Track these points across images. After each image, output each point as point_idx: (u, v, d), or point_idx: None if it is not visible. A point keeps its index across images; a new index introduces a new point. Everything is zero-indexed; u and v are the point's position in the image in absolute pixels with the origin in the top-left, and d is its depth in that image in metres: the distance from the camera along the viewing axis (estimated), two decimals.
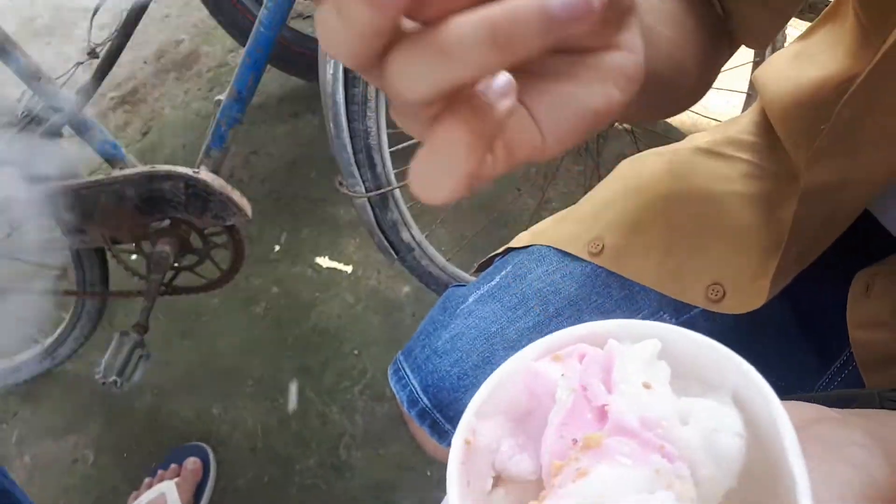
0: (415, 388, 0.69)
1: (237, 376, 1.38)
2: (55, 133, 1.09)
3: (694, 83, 0.51)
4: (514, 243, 0.72)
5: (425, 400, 0.68)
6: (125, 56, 1.07)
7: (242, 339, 1.43)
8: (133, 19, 1.00)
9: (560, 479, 0.23)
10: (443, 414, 0.68)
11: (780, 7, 0.50)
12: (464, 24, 0.20)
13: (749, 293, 0.56)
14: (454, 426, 0.62)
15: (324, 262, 1.52)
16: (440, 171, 0.22)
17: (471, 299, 0.69)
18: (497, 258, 0.74)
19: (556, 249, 0.67)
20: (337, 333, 1.42)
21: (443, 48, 0.20)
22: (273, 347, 1.41)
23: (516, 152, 0.25)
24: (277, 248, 1.56)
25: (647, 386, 0.25)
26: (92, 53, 1.05)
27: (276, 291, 1.49)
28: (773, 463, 0.24)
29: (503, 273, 0.69)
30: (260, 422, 1.32)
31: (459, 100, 0.22)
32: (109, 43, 1.02)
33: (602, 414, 0.24)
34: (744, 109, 1.37)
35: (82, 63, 1.06)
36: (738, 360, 0.26)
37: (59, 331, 1.35)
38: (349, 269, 1.51)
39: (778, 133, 0.60)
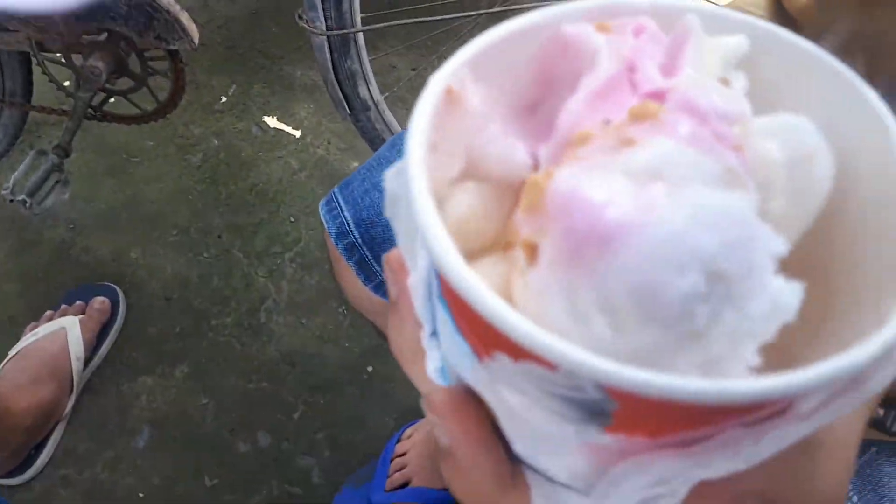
0: (346, 220, 0.63)
1: (162, 223, 1.29)
2: None
3: None
4: None
5: (356, 234, 0.62)
6: None
7: (173, 187, 1.34)
8: None
9: (588, 150, 0.17)
10: (373, 252, 0.62)
11: None
12: None
13: None
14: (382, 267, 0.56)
15: (272, 121, 1.43)
16: None
17: None
18: None
19: None
20: (275, 197, 1.34)
21: None
22: (205, 200, 1.33)
23: None
24: (224, 99, 1.45)
25: (724, 82, 0.19)
26: None
27: (216, 144, 1.39)
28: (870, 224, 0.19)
29: None
30: (179, 272, 1.24)
31: None
32: None
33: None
34: None
35: None
36: (850, 77, 0.19)
37: None
38: (298, 133, 1.42)
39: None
